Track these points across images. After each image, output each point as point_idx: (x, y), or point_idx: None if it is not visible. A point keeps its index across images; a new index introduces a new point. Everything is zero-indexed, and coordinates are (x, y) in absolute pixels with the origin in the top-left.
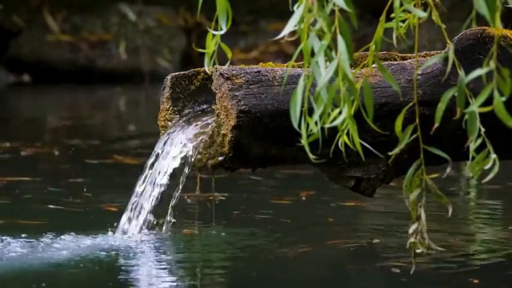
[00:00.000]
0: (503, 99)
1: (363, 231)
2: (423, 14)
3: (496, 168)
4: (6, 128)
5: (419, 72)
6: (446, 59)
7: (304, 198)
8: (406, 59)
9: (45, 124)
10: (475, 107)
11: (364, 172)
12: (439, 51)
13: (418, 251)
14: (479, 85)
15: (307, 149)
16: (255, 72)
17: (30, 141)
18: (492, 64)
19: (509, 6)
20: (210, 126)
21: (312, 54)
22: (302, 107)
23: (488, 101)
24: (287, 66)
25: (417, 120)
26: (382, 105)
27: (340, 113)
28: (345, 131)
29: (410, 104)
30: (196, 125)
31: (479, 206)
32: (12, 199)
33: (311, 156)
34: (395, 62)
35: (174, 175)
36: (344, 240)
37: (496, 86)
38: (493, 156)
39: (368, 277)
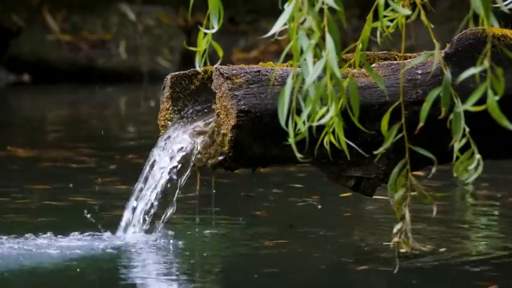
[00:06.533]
0: (497, 98)
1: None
2: (407, 12)
3: (480, 169)
4: (22, 131)
5: (419, 72)
6: (446, 58)
7: None
8: (407, 59)
9: (56, 126)
10: (468, 105)
11: (364, 172)
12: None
13: (402, 250)
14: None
15: (294, 148)
16: (255, 72)
17: (52, 144)
18: (486, 63)
19: (503, 9)
20: (209, 126)
21: (302, 53)
22: (291, 105)
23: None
24: (287, 66)
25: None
26: (382, 105)
27: (327, 111)
28: (331, 129)
29: (396, 103)
30: (196, 125)
31: (474, 205)
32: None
33: (298, 155)
34: (395, 62)
35: (174, 174)
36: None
37: (490, 85)
38: (477, 156)
39: (366, 278)
